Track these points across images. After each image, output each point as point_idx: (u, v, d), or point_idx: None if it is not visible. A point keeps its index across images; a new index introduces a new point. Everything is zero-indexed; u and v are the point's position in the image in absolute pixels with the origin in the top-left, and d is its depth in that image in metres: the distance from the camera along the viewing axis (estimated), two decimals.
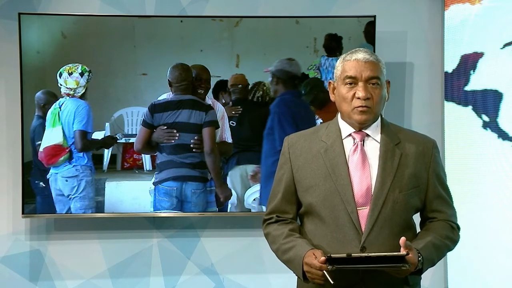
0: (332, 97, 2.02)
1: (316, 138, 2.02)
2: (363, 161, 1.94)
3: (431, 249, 1.91)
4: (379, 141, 1.97)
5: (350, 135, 1.98)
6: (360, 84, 1.91)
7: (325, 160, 1.96)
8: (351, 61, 1.94)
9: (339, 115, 2.02)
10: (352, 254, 1.78)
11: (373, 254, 1.79)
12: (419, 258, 1.85)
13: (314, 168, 1.97)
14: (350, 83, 1.92)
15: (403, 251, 1.80)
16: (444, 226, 2.01)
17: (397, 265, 1.78)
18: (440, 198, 2.02)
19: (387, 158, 1.94)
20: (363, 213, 1.91)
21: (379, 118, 2.01)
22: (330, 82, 2.02)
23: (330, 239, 1.92)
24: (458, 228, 2.06)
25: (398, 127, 2.06)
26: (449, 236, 2.00)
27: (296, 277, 2.01)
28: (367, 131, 1.98)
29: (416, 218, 2.07)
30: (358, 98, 1.91)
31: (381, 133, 1.98)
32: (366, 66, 1.92)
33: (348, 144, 1.98)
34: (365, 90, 1.90)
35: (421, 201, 2.00)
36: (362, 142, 1.97)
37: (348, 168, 1.93)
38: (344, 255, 1.78)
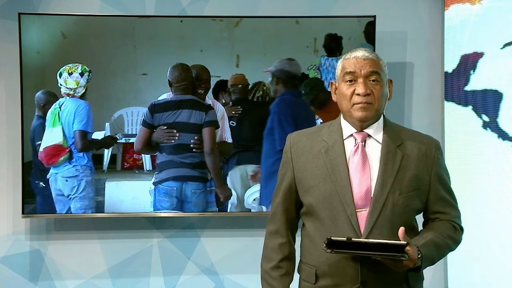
0: (334, 97, 2.02)
1: (318, 137, 2.01)
2: (364, 163, 1.93)
3: (432, 247, 1.90)
4: (380, 142, 1.96)
5: (351, 135, 1.97)
6: (360, 80, 1.91)
7: (326, 161, 1.95)
8: (351, 59, 1.95)
9: (341, 115, 2.02)
10: (352, 239, 1.79)
11: (373, 240, 1.78)
12: (419, 256, 1.84)
13: (315, 169, 1.97)
14: (350, 81, 1.92)
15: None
16: (446, 226, 1.99)
17: (397, 255, 1.76)
18: (443, 200, 2.00)
19: (388, 159, 1.93)
20: (362, 215, 1.90)
21: (382, 117, 2.00)
22: (332, 83, 2.02)
23: None
24: (462, 229, 2.04)
25: (401, 127, 2.05)
26: (451, 235, 1.99)
27: (298, 278, 2.04)
28: (369, 132, 1.96)
29: (419, 218, 2.06)
30: (358, 94, 1.90)
31: (383, 134, 1.97)
32: (366, 62, 1.92)
33: (349, 144, 1.97)
34: (365, 86, 1.90)
35: (423, 203, 1.99)
36: (364, 143, 1.96)
37: (348, 169, 1.93)
38: (344, 238, 1.78)
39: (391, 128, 2.00)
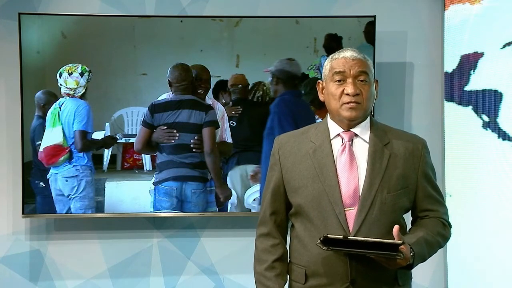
0: (321, 97, 2.03)
1: (305, 138, 2.02)
2: (351, 162, 1.94)
3: (423, 245, 1.92)
4: (367, 141, 1.97)
5: (338, 135, 1.98)
6: (349, 80, 1.92)
7: (313, 161, 1.96)
8: (339, 59, 1.96)
9: (328, 115, 2.03)
10: (348, 237, 1.80)
11: (369, 239, 1.79)
12: (411, 254, 1.85)
13: (303, 169, 1.98)
14: (339, 80, 1.94)
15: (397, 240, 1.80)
16: (436, 223, 2.01)
17: (392, 253, 1.77)
18: (431, 197, 2.02)
19: (376, 158, 1.94)
20: (351, 214, 1.91)
21: (368, 117, 2.01)
22: (318, 82, 2.03)
23: None
24: (450, 225, 2.06)
25: (387, 127, 2.06)
26: (441, 232, 2.01)
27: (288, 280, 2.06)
28: (356, 131, 1.98)
29: (407, 217, 2.07)
30: (348, 94, 1.91)
31: (370, 133, 1.98)
32: (354, 62, 1.93)
33: (336, 144, 1.98)
34: (354, 86, 1.91)
35: (410, 201, 2.00)
36: (351, 142, 1.97)
37: (336, 168, 1.93)
38: (341, 236, 1.79)
39: (378, 128, 2.01)
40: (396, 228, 1.83)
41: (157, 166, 3.50)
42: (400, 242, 1.78)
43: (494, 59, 3.32)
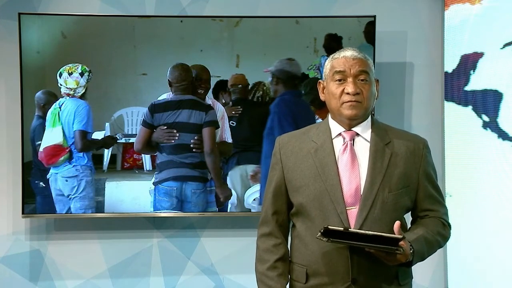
0: (322, 97, 2.04)
1: (307, 138, 2.03)
2: (353, 161, 1.94)
3: (423, 243, 1.92)
4: (369, 141, 1.97)
5: (340, 134, 1.99)
6: (349, 80, 1.93)
7: (315, 160, 1.96)
8: (340, 58, 1.97)
9: (329, 115, 2.04)
10: (349, 229, 1.80)
11: (369, 232, 1.79)
12: (411, 251, 1.85)
13: (304, 169, 1.98)
14: (339, 80, 1.94)
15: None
16: (436, 223, 2.02)
17: (392, 248, 1.78)
18: (431, 197, 2.02)
19: (377, 157, 1.95)
20: (353, 213, 1.91)
21: (369, 117, 2.01)
22: (319, 82, 2.04)
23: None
24: (449, 226, 2.07)
25: (388, 126, 2.06)
26: (441, 232, 2.01)
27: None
28: (357, 130, 1.98)
29: (408, 218, 2.07)
30: (348, 93, 1.92)
31: (371, 132, 1.99)
32: (355, 62, 1.94)
33: (338, 143, 1.98)
34: (355, 86, 1.92)
35: (412, 201, 2.01)
36: (352, 142, 1.97)
37: (338, 168, 1.94)
38: (341, 228, 1.80)
39: (379, 127, 2.02)
40: (397, 224, 1.83)
41: (157, 166, 3.50)
42: (400, 236, 1.79)
43: (494, 59, 3.32)
